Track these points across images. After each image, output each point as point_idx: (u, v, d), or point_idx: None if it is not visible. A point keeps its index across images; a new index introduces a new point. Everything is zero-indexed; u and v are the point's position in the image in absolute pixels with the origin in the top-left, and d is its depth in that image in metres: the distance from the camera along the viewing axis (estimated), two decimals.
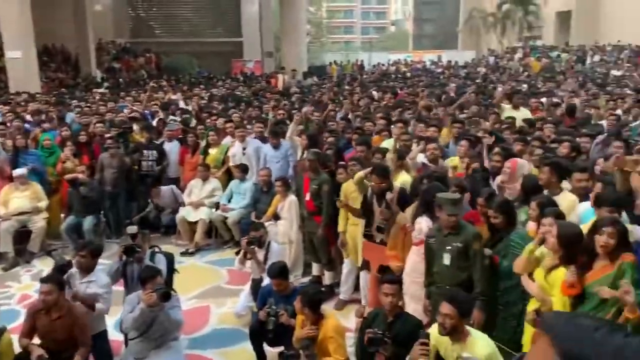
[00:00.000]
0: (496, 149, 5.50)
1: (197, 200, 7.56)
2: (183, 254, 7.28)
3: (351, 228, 5.52)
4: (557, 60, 24.50)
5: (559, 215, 3.77)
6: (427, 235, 4.25)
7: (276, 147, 7.48)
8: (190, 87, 16.56)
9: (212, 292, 6.24)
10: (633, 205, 3.98)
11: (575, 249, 3.48)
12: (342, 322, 4.86)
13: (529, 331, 3.76)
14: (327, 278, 6.16)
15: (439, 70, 24.71)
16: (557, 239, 3.55)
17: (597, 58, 23.71)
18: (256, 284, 5.33)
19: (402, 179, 5.37)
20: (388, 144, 6.57)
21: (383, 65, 27.56)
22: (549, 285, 3.61)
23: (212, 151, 8.07)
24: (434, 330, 3.49)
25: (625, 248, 3.38)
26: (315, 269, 6.31)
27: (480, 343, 3.32)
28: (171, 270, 5.04)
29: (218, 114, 9.69)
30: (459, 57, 30.25)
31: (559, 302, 3.53)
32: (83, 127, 8.77)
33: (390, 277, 3.97)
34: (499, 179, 5.12)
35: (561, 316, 0.85)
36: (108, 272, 4.72)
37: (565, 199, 4.42)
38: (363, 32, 70.45)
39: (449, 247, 4.05)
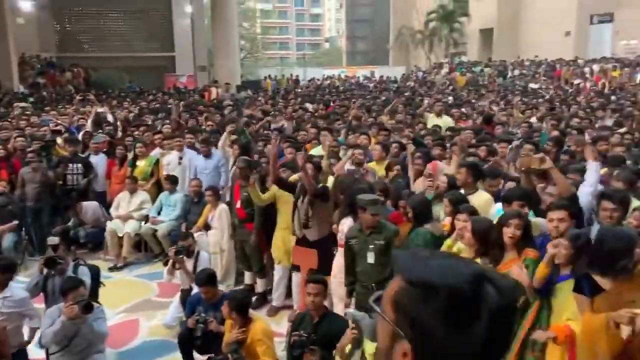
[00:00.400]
0: (417, 154, 5.76)
1: (125, 213, 7.39)
2: (111, 269, 7.09)
3: (281, 232, 5.59)
4: (480, 74, 25.77)
5: (473, 212, 4.00)
6: (347, 237, 4.39)
7: (207, 155, 7.49)
8: (119, 101, 16.17)
9: (141, 306, 6.11)
10: (540, 202, 4.28)
11: (489, 242, 3.71)
12: (275, 328, 4.91)
13: None
14: (260, 286, 6.17)
15: (372, 85, 25.39)
16: (472, 234, 3.78)
17: (517, 72, 25.14)
18: (185, 295, 5.28)
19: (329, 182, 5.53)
20: (317, 151, 6.75)
21: (318, 80, 28.03)
22: None
23: (140, 163, 7.93)
24: None
25: (529, 242, 3.65)
26: (247, 277, 6.32)
27: None
28: (96, 282, 4.90)
29: (147, 126, 9.56)
30: (391, 72, 31.21)
31: None
32: (2, 142, 8.39)
33: (314, 277, 4.06)
34: (419, 185, 5.38)
35: (405, 252, 0.97)
36: (27, 287, 4.54)
37: (481, 198, 4.70)
38: (298, 49, 71.24)
39: (372, 246, 4.20)
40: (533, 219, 3.91)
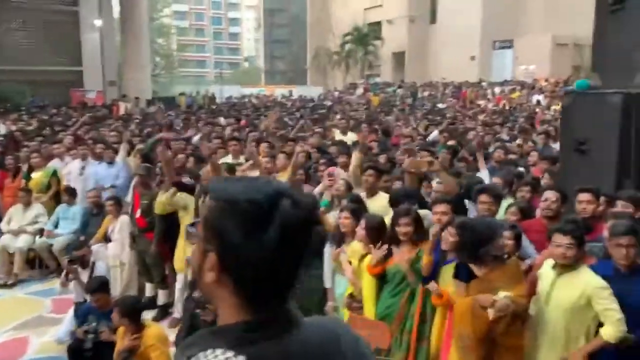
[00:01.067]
0: (322, 160, 5.91)
1: (18, 227, 6.94)
2: (1, 286, 6.61)
3: (183, 241, 5.46)
4: (393, 95, 26.83)
5: (354, 210, 4.17)
6: None
7: (111, 162, 7.33)
8: (19, 115, 15.29)
9: (32, 323, 5.74)
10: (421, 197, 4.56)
11: (380, 235, 3.86)
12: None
13: (346, 314, 4.03)
14: (161, 298, 5.98)
15: (289, 103, 25.70)
16: (365, 230, 3.92)
17: (426, 93, 26.43)
18: (79, 308, 5.03)
19: None
20: (226, 160, 6.74)
21: (236, 98, 28.03)
22: (360, 270, 3.95)
23: (36, 175, 7.50)
24: None
25: (422, 235, 3.83)
26: (148, 289, 6.11)
27: None
28: None
29: (44, 137, 9.11)
30: (308, 92, 31.78)
31: (368, 285, 3.87)
32: None
33: None
34: (319, 187, 5.51)
35: (217, 178, 1.06)
36: None
37: (383, 200, 4.89)
38: (216, 67, 70.66)
39: None
40: (420, 211, 4.12)
